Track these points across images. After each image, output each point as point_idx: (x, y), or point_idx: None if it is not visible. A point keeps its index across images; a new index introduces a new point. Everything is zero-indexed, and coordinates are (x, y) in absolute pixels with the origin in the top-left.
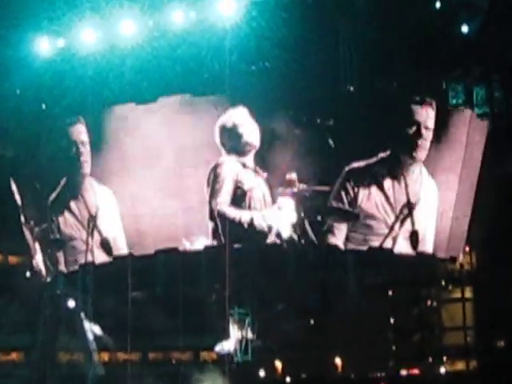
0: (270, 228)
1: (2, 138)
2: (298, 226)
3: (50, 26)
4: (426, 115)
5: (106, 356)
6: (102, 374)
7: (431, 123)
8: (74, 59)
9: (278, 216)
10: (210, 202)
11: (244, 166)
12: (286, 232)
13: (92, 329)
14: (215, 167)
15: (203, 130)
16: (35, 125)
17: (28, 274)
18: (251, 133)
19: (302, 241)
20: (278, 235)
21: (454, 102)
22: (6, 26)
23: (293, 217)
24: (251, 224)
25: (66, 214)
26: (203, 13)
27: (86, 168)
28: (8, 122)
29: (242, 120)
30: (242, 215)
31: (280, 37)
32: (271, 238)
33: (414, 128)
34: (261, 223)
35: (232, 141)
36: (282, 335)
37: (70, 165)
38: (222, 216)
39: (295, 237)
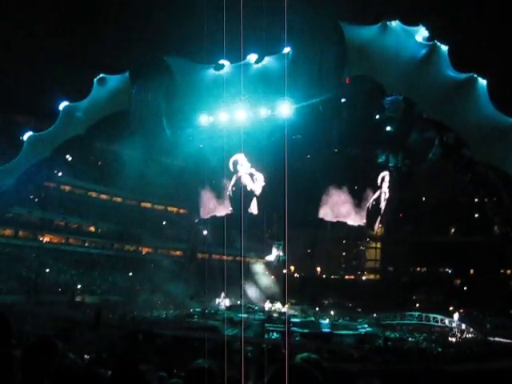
0: None
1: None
2: None
3: (206, 108)
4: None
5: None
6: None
7: None
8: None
9: None
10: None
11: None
12: None
13: None
14: None
15: None
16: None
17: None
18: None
19: None
20: None
21: (380, 160)
22: (186, 108)
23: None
24: None
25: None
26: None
27: None
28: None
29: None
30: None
31: (304, 126)
32: None
33: None
34: None
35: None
36: (294, 255)
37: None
38: None
39: None
